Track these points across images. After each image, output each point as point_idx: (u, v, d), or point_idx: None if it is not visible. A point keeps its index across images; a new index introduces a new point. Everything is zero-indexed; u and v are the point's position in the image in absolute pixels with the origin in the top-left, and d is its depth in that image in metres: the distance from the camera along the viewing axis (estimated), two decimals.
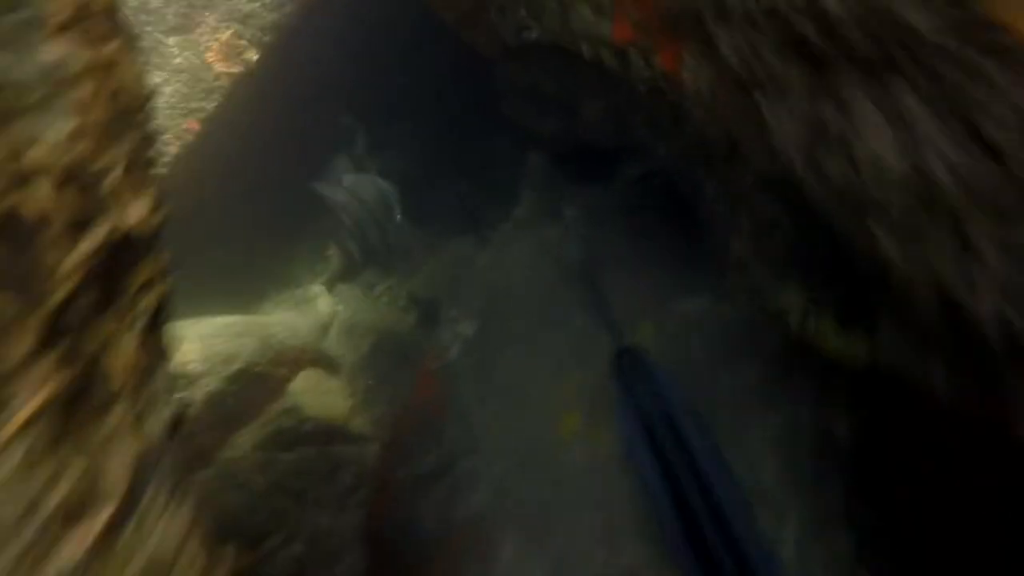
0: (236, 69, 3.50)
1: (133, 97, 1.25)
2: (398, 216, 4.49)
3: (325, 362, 3.70)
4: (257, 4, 3.50)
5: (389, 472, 2.34)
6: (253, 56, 3.52)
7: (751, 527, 1.58)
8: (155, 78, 3.42)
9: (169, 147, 3.44)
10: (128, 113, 1.23)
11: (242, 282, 4.21)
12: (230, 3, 3.47)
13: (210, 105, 3.48)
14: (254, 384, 3.43)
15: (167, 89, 3.41)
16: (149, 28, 3.38)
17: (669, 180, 2.44)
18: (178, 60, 3.41)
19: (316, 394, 3.44)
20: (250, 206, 4.10)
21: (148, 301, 1.25)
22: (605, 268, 2.58)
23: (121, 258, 1.15)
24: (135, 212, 1.19)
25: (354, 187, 4.47)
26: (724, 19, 1.24)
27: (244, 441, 3.34)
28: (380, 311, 4.10)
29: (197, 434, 3.30)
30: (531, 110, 3.89)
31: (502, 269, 2.82)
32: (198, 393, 3.25)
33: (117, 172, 1.15)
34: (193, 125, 3.47)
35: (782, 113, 1.20)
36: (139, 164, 1.25)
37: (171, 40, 3.43)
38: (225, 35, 3.48)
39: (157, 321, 1.31)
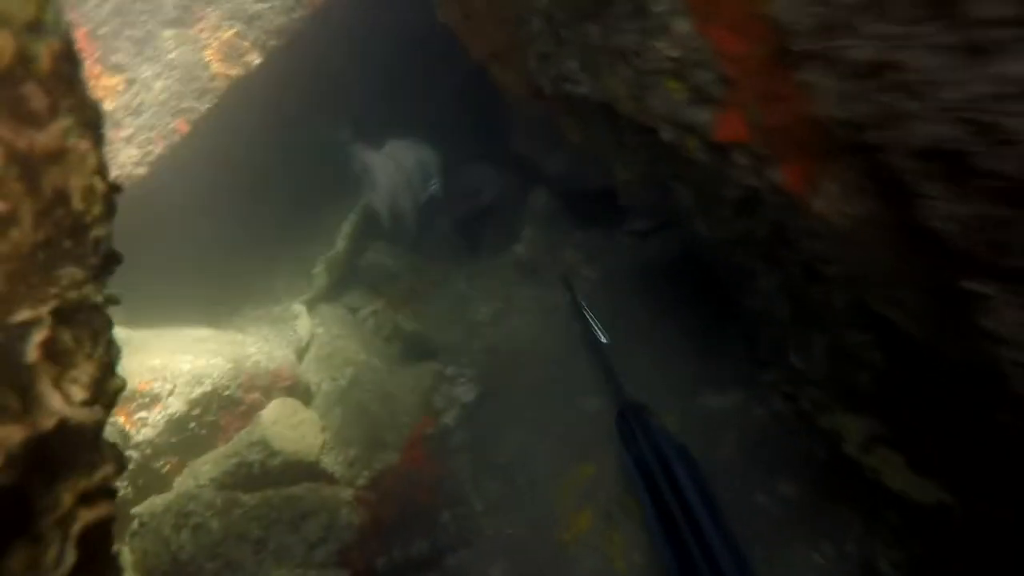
0: (235, 71, 3.27)
1: (80, 210, 0.85)
2: (434, 186, 4.36)
3: (299, 390, 3.46)
4: (266, 5, 3.28)
5: (368, 555, 2.07)
6: (255, 59, 3.30)
7: (742, 567, 1.65)
8: (146, 71, 3.18)
9: (154, 146, 3.20)
10: (70, 234, 0.84)
11: (218, 293, 3.95)
12: (236, 1, 3.25)
13: (203, 106, 3.24)
14: (221, 409, 3.18)
15: (157, 84, 3.16)
16: (145, 17, 3.14)
17: (689, 246, 2.29)
18: (173, 55, 3.17)
19: (287, 426, 3.19)
20: (235, 215, 3.86)
21: (84, 523, 0.83)
22: (620, 336, 2.39)
23: (45, 463, 0.78)
24: (70, 394, 0.80)
25: (393, 150, 4.42)
26: (950, 178, 0.97)
27: (205, 470, 3.08)
28: (363, 338, 3.87)
29: (153, 458, 3.04)
30: (542, 146, 3.74)
31: (506, 328, 2.59)
32: (155, 416, 2.99)
33: (43, 330, 0.77)
34: (182, 126, 3.23)
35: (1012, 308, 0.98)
36: (83, 317, 0.85)
37: (167, 32, 3.19)
38: (227, 34, 3.26)
39: (96, 555, 0.87)
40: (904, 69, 0.99)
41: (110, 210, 0.92)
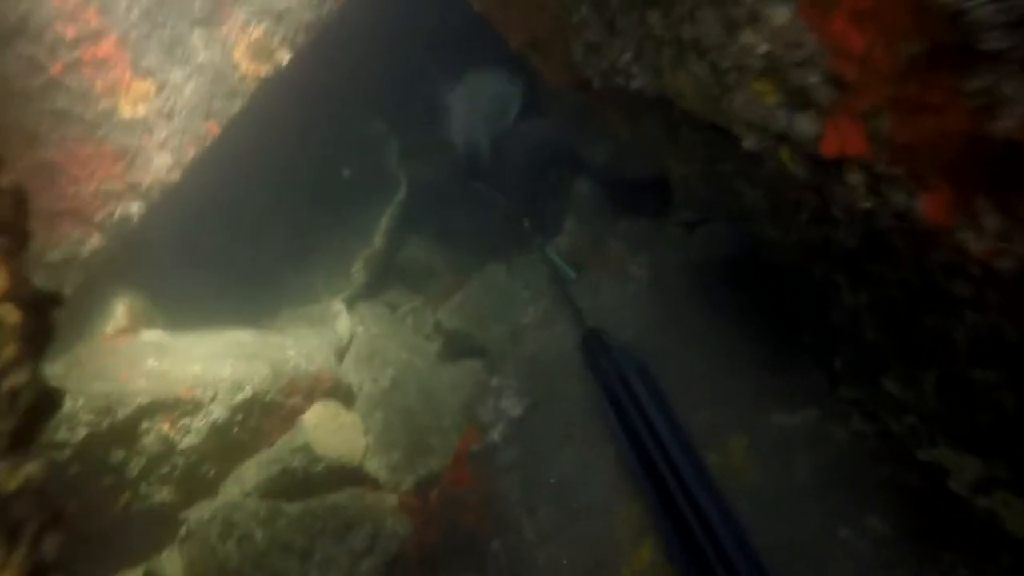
0: (264, 70, 3.20)
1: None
2: (515, 112, 4.31)
3: (341, 392, 3.41)
4: (294, 1, 3.19)
5: None
6: (284, 57, 3.21)
7: (702, 471, 1.76)
8: (176, 74, 3.12)
9: (186, 151, 3.15)
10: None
11: (257, 295, 3.93)
12: None
13: (233, 107, 3.18)
14: (262, 414, 3.15)
15: (187, 88, 3.11)
16: (174, 19, 3.08)
17: (753, 245, 2.11)
18: (202, 56, 3.11)
19: (329, 430, 3.15)
20: (271, 216, 3.82)
21: None
22: (672, 341, 2.24)
23: None
24: None
25: (472, 82, 4.38)
26: None
27: (249, 476, 3.07)
28: (403, 336, 3.80)
29: (198, 464, 3.04)
30: (583, 135, 3.58)
31: (553, 332, 2.45)
32: (199, 422, 2.97)
33: None
34: (213, 128, 3.17)
35: None
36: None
37: (195, 33, 3.12)
38: (256, 32, 3.18)
39: None
40: None
41: (36, 345, 0.66)
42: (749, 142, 1.27)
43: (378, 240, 4.07)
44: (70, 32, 3.00)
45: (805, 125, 1.17)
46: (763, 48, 1.20)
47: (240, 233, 3.87)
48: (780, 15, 1.16)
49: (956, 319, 1.10)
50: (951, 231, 1.01)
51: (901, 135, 1.03)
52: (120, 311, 3.40)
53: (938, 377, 1.20)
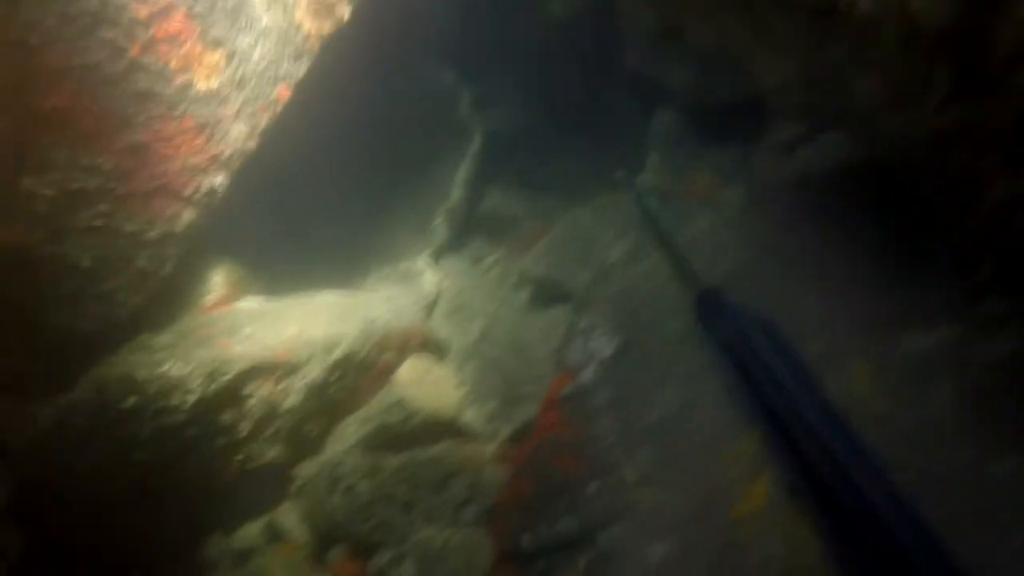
0: (327, 27, 3.15)
1: None
2: None
3: (432, 346, 3.42)
4: None
5: (512, 531, 1.93)
6: (345, 12, 3.15)
7: (839, 425, 1.46)
8: (243, 41, 3.12)
9: (260, 118, 3.17)
10: None
11: (343, 256, 3.98)
12: None
13: (300, 69, 3.16)
14: (357, 372, 3.20)
15: (254, 54, 3.11)
16: None
17: (867, 151, 1.85)
18: (265, 21, 3.09)
19: (423, 384, 3.16)
20: (348, 177, 3.82)
21: None
22: (777, 269, 2.02)
23: None
24: None
25: None
26: None
27: (350, 432, 3.14)
28: (489, 287, 3.75)
29: (302, 423, 3.14)
30: (662, 59, 3.32)
31: (642, 268, 2.29)
32: (298, 383, 3.06)
33: None
34: (283, 92, 3.17)
35: None
36: None
37: None
38: None
39: None
40: None
41: None
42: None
43: (456, 193, 4.01)
44: (143, 12, 3.05)
45: None
46: None
47: (324, 195, 3.91)
48: None
49: None
50: None
51: None
52: (218, 282, 3.53)
53: None
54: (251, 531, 2.98)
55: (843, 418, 1.43)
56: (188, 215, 3.28)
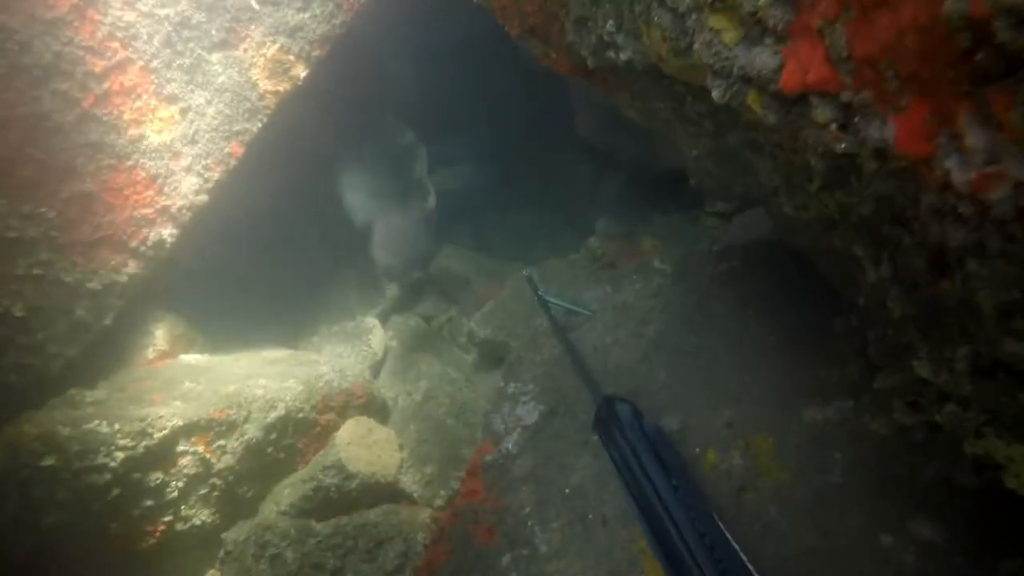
0: (283, 87, 3.21)
1: None
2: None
3: (375, 407, 3.36)
4: (307, 15, 3.19)
5: None
6: (301, 72, 3.21)
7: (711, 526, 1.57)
8: (198, 98, 3.16)
9: (212, 172, 3.18)
10: None
11: (292, 312, 3.94)
12: (277, 15, 3.17)
13: (254, 126, 3.19)
14: (296, 432, 3.13)
15: (209, 110, 3.14)
16: (192, 44, 3.12)
17: (777, 228, 1.92)
18: (221, 78, 3.14)
19: (362, 446, 3.10)
20: (299, 232, 3.82)
21: None
22: (699, 336, 2.07)
23: None
24: None
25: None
26: None
27: (286, 494, 3.04)
28: (438, 348, 3.73)
29: (236, 484, 3.03)
30: (610, 129, 3.44)
31: (573, 334, 2.31)
32: (234, 443, 2.97)
33: None
34: (236, 149, 3.20)
35: None
36: None
37: (214, 57, 3.16)
38: (271, 50, 3.19)
39: None
40: None
41: None
42: (718, 93, 1.11)
43: None
44: (99, 65, 3.08)
45: (764, 58, 1.00)
46: None
47: (275, 252, 3.90)
48: None
49: (983, 285, 0.91)
50: (932, 161, 0.82)
51: (859, 46, 0.84)
52: (160, 335, 3.46)
53: (969, 354, 1.01)
54: None
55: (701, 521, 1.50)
56: (133, 266, 3.24)
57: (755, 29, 1.02)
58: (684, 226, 3.10)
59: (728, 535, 1.48)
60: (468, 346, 3.67)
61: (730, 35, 1.05)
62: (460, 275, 4.05)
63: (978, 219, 0.82)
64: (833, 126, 0.97)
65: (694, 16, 1.13)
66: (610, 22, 1.44)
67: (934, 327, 1.07)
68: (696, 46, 1.13)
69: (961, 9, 0.70)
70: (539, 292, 2.60)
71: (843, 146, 0.96)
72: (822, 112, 0.97)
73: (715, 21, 1.07)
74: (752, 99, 1.07)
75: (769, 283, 2.06)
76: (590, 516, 1.74)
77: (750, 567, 1.41)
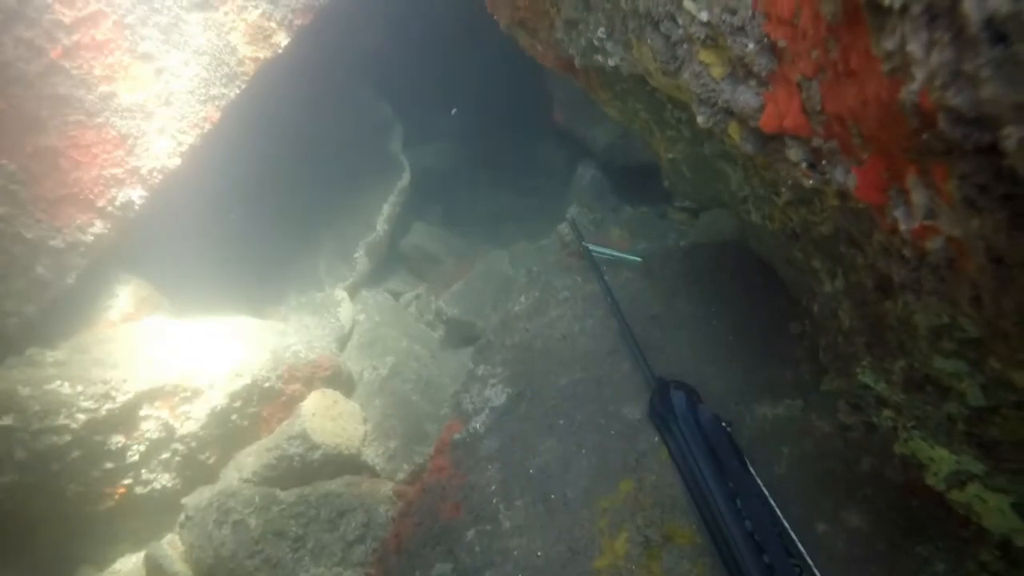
0: (263, 53, 3.16)
1: None
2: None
3: (341, 380, 3.40)
4: None
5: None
6: (282, 40, 3.17)
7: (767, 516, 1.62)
8: (174, 58, 3.10)
9: (186, 136, 3.13)
10: None
11: (261, 281, 3.92)
12: None
13: (232, 92, 3.15)
14: (262, 401, 3.15)
15: (186, 72, 3.09)
16: (169, 3, 3.05)
17: (742, 232, 2.03)
18: (200, 40, 3.08)
19: (327, 417, 3.14)
20: (272, 202, 3.79)
21: None
22: (663, 329, 2.16)
23: None
24: None
25: None
26: None
27: (248, 462, 3.07)
28: (405, 324, 3.78)
29: (199, 450, 3.05)
30: (587, 118, 3.49)
31: (544, 320, 2.38)
32: (199, 408, 2.98)
33: None
34: (213, 113, 3.15)
35: None
36: None
37: (193, 17, 3.09)
38: (253, 15, 3.14)
39: None
40: None
41: None
42: (702, 118, 1.19)
43: (380, 226, 4.02)
44: (68, 16, 2.98)
45: (748, 97, 1.09)
46: (703, 15, 1.13)
47: (247, 219, 3.86)
48: None
49: (919, 310, 1.02)
50: (884, 208, 0.93)
51: (830, 105, 0.94)
52: (125, 297, 3.41)
53: (905, 367, 1.13)
54: (126, 565, 2.85)
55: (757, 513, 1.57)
56: (100, 226, 3.18)
57: (741, 70, 1.11)
58: (652, 219, 3.20)
59: (790, 549, 1.54)
60: (435, 324, 3.72)
61: (718, 70, 1.13)
62: (430, 253, 4.08)
63: (917, 261, 0.93)
64: (803, 164, 1.06)
65: (685, 46, 1.20)
66: (601, 29, 1.49)
67: (877, 340, 1.18)
68: (685, 75, 1.20)
69: (912, 99, 0.79)
70: (583, 242, 2.59)
71: (811, 182, 1.06)
72: (795, 152, 1.06)
73: (705, 56, 1.15)
74: (733, 129, 1.15)
75: (732, 284, 2.17)
76: (553, 496, 1.83)
77: None
